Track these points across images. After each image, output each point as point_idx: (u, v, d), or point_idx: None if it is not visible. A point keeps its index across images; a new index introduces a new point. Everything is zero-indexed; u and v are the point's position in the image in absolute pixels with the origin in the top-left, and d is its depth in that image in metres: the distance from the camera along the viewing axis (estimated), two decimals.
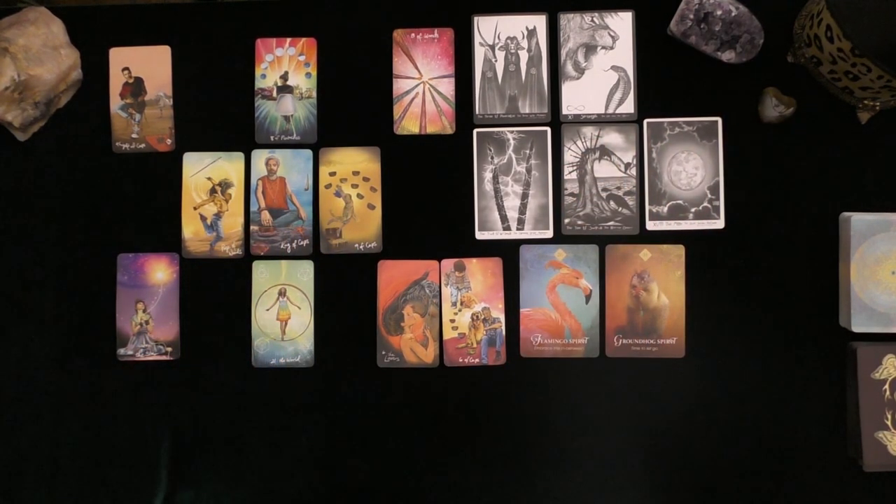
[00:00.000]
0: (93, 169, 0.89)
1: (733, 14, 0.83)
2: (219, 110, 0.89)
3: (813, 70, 0.84)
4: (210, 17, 0.90)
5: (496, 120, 0.88)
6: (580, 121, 0.87)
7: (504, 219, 0.87)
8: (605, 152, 0.87)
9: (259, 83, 0.89)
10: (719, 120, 0.86)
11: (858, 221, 0.82)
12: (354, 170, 0.88)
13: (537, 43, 0.88)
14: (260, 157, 0.88)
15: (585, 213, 0.87)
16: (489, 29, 0.89)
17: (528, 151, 0.88)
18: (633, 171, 0.87)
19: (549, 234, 0.87)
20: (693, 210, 0.86)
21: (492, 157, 0.88)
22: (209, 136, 0.89)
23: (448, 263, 0.87)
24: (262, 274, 0.87)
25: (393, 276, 0.87)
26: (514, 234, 0.87)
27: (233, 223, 0.88)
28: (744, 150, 0.86)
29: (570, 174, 0.87)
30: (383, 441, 0.86)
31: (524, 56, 0.88)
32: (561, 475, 0.85)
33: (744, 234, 0.86)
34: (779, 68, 0.86)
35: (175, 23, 0.90)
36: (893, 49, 0.81)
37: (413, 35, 0.89)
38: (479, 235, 0.87)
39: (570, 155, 0.87)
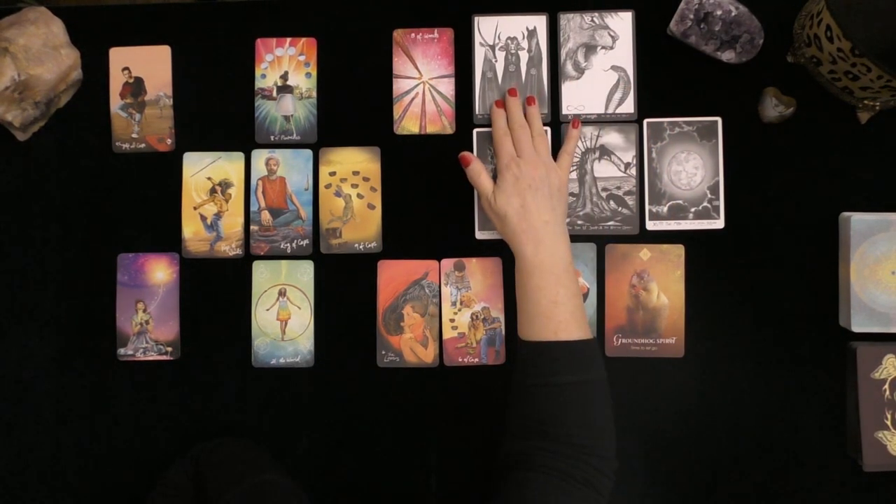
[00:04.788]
0: (93, 169, 0.89)
1: (733, 14, 0.83)
2: (219, 110, 0.89)
3: (813, 70, 0.84)
4: (210, 17, 0.90)
5: None
6: (581, 121, 0.87)
7: None
8: (604, 152, 0.87)
9: (259, 83, 0.89)
10: (719, 120, 0.86)
11: (858, 221, 0.82)
12: (354, 170, 0.88)
13: (537, 43, 0.88)
14: (260, 156, 0.88)
15: (585, 212, 0.87)
16: (489, 29, 0.89)
17: None
18: (633, 171, 0.87)
19: None
20: (693, 210, 0.86)
21: (492, 157, 0.88)
22: (209, 136, 0.89)
23: (448, 263, 0.87)
24: (262, 274, 0.87)
25: (393, 275, 0.87)
26: None
27: (233, 223, 0.88)
28: (744, 150, 0.86)
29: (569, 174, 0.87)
30: (383, 441, 0.86)
31: (524, 56, 0.88)
32: None
33: (744, 234, 0.86)
34: (779, 68, 0.86)
35: (175, 23, 0.90)
36: (893, 49, 0.81)
37: (413, 35, 0.89)
38: (479, 235, 0.87)
39: None
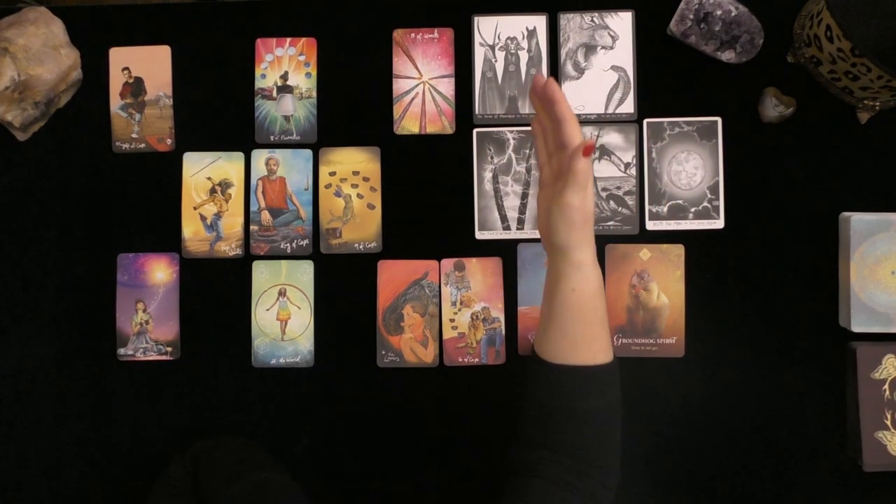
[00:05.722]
0: (93, 169, 0.89)
1: (733, 14, 0.83)
2: (219, 110, 0.89)
3: (813, 70, 0.84)
4: (210, 17, 0.90)
5: (496, 120, 0.88)
6: (580, 121, 0.87)
7: (504, 218, 0.87)
8: (604, 152, 0.87)
9: (259, 83, 0.89)
10: (719, 120, 0.86)
11: (858, 221, 0.82)
12: (354, 170, 0.88)
13: (537, 43, 0.88)
14: (260, 156, 0.88)
15: None
16: (489, 29, 0.89)
17: (527, 151, 0.88)
18: (633, 171, 0.87)
19: None
20: (693, 210, 0.86)
21: (491, 157, 0.88)
22: (209, 136, 0.89)
23: (448, 263, 0.87)
24: (262, 274, 0.87)
25: (393, 275, 0.87)
26: (513, 234, 0.87)
27: (233, 223, 0.88)
28: (744, 150, 0.86)
29: None
30: (383, 441, 0.86)
31: (524, 56, 0.88)
32: None
33: (744, 234, 0.86)
34: (779, 68, 0.86)
35: (175, 23, 0.90)
36: (893, 49, 0.81)
37: (413, 35, 0.89)
38: (479, 235, 0.87)
39: None
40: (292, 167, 0.88)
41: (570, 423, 0.67)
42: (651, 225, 0.86)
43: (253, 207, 0.88)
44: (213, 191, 0.88)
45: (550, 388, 0.68)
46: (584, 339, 0.67)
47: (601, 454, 0.67)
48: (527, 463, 0.68)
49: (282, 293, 0.87)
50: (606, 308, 0.69)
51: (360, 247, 0.87)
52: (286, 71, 0.89)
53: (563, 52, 0.88)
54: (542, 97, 0.67)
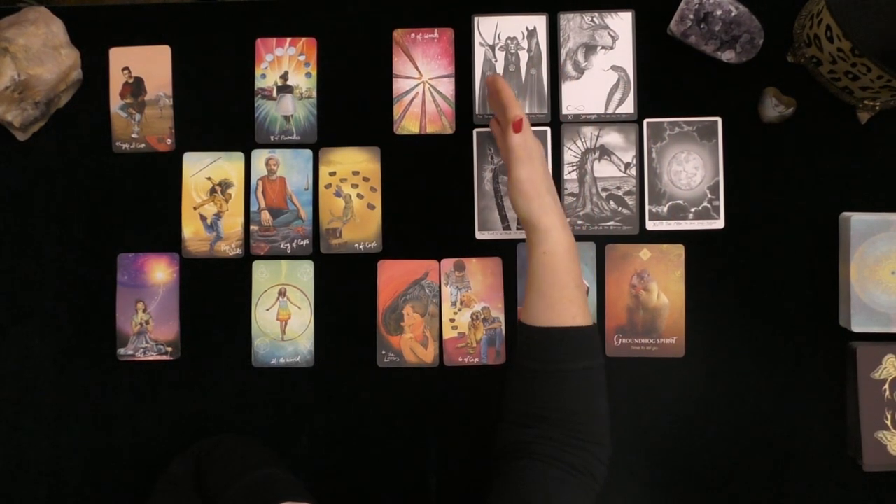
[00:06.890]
0: (93, 169, 0.89)
1: (733, 14, 0.83)
2: (219, 110, 0.89)
3: (813, 70, 0.84)
4: (210, 17, 0.90)
5: None
6: (580, 121, 0.87)
7: (504, 218, 0.87)
8: (604, 152, 0.87)
9: (259, 83, 0.89)
10: (719, 120, 0.86)
11: (858, 221, 0.82)
12: (354, 170, 0.88)
13: (537, 43, 0.88)
14: (260, 156, 0.88)
15: (585, 212, 0.87)
16: (489, 29, 0.89)
17: None
18: (633, 171, 0.87)
19: None
20: (693, 210, 0.86)
21: (492, 157, 0.88)
22: (209, 136, 0.89)
23: (448, 263, 0.87)
24: (262, 274, 0.87)
25: (393, 275, 0.87)
26: (514, 234, 0.87)
27: (233, 223, 0.88)
28: (744, 150, 0.86)
29: (569, 174, 0.87)
30: (383, 441, 0.86)
31: (524, 56, 0.88)
32: None
33: (744, 234, 0.86)
34: (779, 68, 0.86)
35: (175, 23, 0.90)
36: (893, 49, 0.81)
37: (413, 35, 0.89)
38: (479, 235, 0.87)
39: (570, 155, 0.87)
40: (292, 167, 0.88)
41: (557, 386, 0.70)
42: (651, 225, 0.86)
43: (253, 207, 0.88)
44: (213, 191, 0.88)
45: (536, 352, 0.72)
46: (562, 300, 0.72)
47: (590, 421, 0.69)
48: (518, 444, 0.68)
49: (282, 293, 0.87)
50: (580, 273, 0.74)
51: (360, 247, 0.87)
52: (286, 71, 0.89)
53: (563, 52, 0.88)
54: (491, 90, 0.80)
